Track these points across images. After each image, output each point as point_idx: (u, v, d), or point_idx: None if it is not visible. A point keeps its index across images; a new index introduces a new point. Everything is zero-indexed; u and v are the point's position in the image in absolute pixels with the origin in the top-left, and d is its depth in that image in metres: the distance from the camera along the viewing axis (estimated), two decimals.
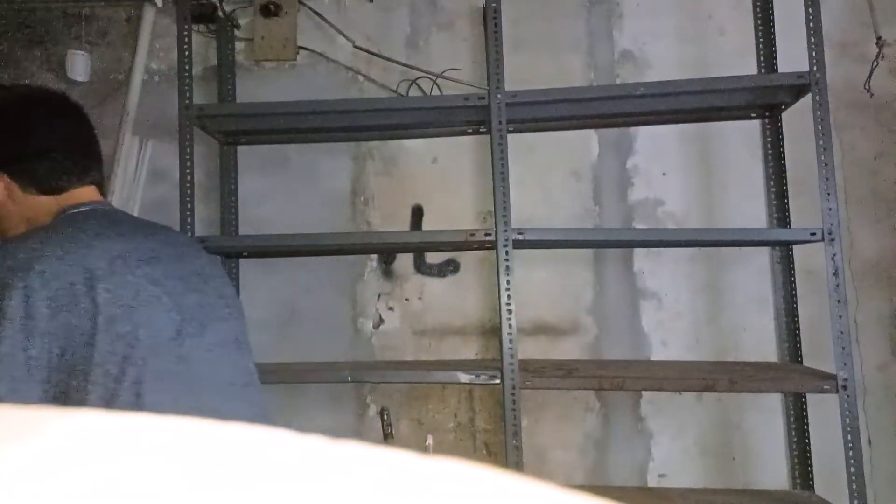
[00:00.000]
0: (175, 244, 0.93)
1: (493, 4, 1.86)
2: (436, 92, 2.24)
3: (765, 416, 2.10)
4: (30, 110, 0.92)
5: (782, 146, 2.10)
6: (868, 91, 2.13)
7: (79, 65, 2.33)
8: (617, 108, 2.05)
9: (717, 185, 2.19)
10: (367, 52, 2.27)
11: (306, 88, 2.27)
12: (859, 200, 2.13)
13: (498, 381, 1.77)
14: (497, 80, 1.84)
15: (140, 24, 2.35)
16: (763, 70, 2.11)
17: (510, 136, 1.85)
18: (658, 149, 2.21)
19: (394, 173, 2.29)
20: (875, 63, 2.12)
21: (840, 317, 1.67)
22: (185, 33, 1.96)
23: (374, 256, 2.27)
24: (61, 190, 0.90)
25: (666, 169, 2.21)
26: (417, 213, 2.27)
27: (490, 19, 1.86)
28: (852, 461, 1.62)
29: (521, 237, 1.80)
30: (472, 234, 1.82)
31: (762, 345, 2.12)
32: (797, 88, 1.82)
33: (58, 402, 0.71)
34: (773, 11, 2.10)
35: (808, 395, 2.03)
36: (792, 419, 2.07)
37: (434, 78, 2.23)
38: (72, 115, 0.95)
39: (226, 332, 0.91)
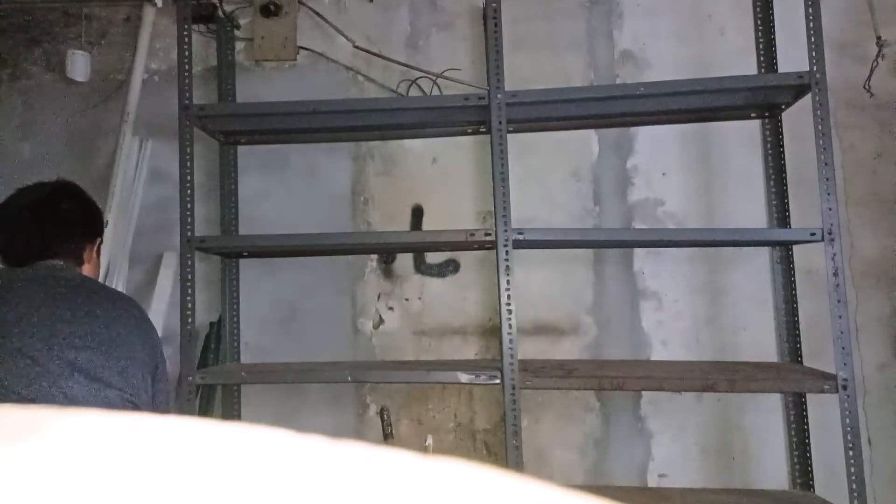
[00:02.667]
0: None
1: (493, 4, 1.85)
2: (436, 92, 2.24)
3: (765, 416, 2.10)
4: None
5: (782, 146, 2.10)
6: (868, 91, 2.13)
7: (79, 65, 2.33)
8: (617, 108, 2.05)
9: (717, 185, 2.19)
10: (367, 52, 2.27)
11: (306, 88, 2.27)
12: (859, 200, 2.13)
13: (498, 381, 1.77)
14: (497, 80, 1.84)
15: (140, 24, 2.35)
16: (763, 70, 2.11)
17: (510, 136, 1.85)
18: (658, 149, 2.21)
19: (394, 173, 2.29)
20: (875, 63, 2.12)
21: (840, 317, 1.66)
22: (185, 33, 1.96)
23: (374, 256, 2.27)
24: (22, 264, 1.31)
25: (666, 169, 2.21)
26: (417, 213, 2.27)
27: (490, 19, 1.86)
28: (852, 461, 1.62)
29: (521, 237, 1.79)
30: (472, 234, 1.82)
31: (762, 345, 2.12)
32: (797, 88, 1.82)
33: None
34: (773, 11, 2.10)
35: (808, 395, 2.03)
36: (792, 419, 2.07)
37: (434, 78, 2.23)
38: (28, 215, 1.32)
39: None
